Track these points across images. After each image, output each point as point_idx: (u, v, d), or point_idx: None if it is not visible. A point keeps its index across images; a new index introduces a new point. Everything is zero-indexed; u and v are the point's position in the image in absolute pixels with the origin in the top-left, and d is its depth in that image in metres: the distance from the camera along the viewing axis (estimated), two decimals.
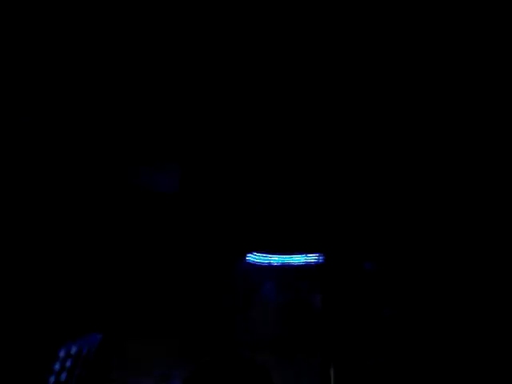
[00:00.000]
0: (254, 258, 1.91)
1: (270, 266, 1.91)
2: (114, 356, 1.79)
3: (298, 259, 1.88)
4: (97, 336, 1.82)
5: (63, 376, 1.76)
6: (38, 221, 1.92)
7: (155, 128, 2.01)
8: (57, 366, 1.78)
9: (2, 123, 2.01)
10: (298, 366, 1.73)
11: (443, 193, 1.87)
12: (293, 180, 1.96)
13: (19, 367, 1.78)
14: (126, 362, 1.77)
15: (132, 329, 1.83)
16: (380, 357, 1.73)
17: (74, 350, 1.80)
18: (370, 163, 1.91)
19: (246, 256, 1.91)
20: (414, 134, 1.91)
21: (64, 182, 1.96)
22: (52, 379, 1.75)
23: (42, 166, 1.97)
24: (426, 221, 1.85)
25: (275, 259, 1.89)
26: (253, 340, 1.81)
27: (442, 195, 1.87)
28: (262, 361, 1.77)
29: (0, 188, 1.96)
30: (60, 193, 1.96)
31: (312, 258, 1.87)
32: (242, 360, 1.76)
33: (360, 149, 1.95)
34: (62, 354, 1.80)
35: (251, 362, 1.76)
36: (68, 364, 1.79)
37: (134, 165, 2.02)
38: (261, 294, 1.89)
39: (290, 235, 1.95)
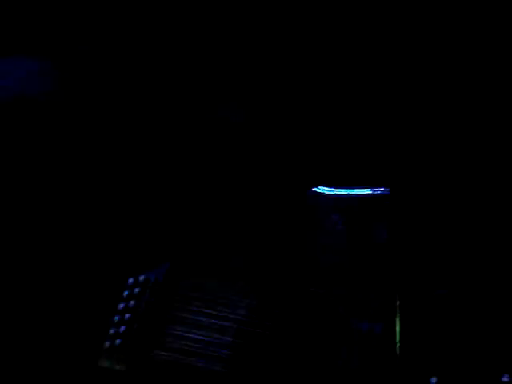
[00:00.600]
0: (320, 190, 1.92)
1: (335, 199, 1.92)
2: (185, 287, 1.79)
3: (364, 192, 1.90)
4: (165, 266, 1.82)
5: (131, 303, 1.76)
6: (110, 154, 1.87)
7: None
8: (125, 293, 1.78)
9: None
10: (365, 296, 1.76)
11: None
12: (358, 112, 1.97)
13: (90, 296, 1.77)
14: (197, 295, 1.77)
15: (201, 262, 1.83)
16: (446, 288, 1.78)
17: (141, 278, 1.80)
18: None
19: (311, 188, 1.92)
20: None
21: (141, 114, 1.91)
22: (121, 306, 1.75)
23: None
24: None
25: (341, 191, 1.91)
26: (316, 271, 1.83)
27: None
28: (327, 291, 1.79)
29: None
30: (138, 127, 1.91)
31: (378, 190, 1.89)
32: (305, 292, 1.78)
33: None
34: (130, 281, 1.80)
35: (314, 292, 1.78)
36: (136, 291, 1.78)
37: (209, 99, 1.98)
38: (326, 226, 1.90)
39: (356, 168, 1.96)
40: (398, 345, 1.63)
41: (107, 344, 1.68)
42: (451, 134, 1.97)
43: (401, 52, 1.95)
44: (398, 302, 1.74)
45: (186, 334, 1.70)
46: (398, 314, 1.70)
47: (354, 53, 1.98)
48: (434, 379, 1.53)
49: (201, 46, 2.00)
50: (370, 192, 1.92)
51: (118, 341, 1.69)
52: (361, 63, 1.98)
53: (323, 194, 1.95)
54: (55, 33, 1.98)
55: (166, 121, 1.97)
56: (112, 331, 1.71)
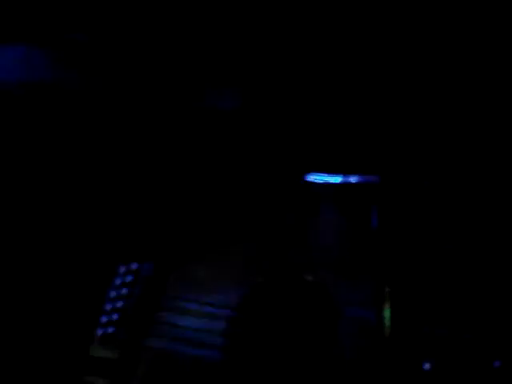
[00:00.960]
0: (313, 178, 1.92)
1: (328, 187, 1.93)
2: (176, 275, 1.79)
3: (355, 179, 1.90)
4: (157, 254, 1.81)
5: (124, 290, 1.75)
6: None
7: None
8: (118, 281, 1.77)
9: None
10: (357, 284, 1.77)
11: None
12: (349, 102, 1.96)
13: (81, 282, 1.76)
14: (188, 283, 1.77)
15: (191, 250, 1.82)
16: (438, 281, 1.78)
17: (134, 266, 1.79)
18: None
19: (304, 176, 1.92)
20: None
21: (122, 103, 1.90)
22: (113, 293, 1.74)
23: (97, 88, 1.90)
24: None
25: (333, 179, 1.91)
26: (309, 260, 1.84)
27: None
28: (320, 279, 1.79)
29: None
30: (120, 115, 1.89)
31: (369, 178, 1.89)
32: (298, 280, 1.78)
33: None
34: (122, 269, 1.79)
35: (307, 280, 1.78)
36: (128, 279, 1.78)
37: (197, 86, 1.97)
38: (319, 215, 1.91)
39: (347, 155, 1.96)
40: (388, 330, 1.64)
41: (100, 332, 1.68)
42: (439, 124, 1.97)
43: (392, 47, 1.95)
44: (387, 289, 1.74)
45: (178, 322, 1.70)
46: (387, 300, 1.70)
47: (348, 44, 1.98)
48: (427, 365, 1.54)
49: (189, 32, 1.99)
50: (361, 180, 1.92)
51: (110, 329, 1.69)
52: (354, 53, 1.98)
53: (315, 182, 1.95)
54: (44, 20, 1.96)
55: (154, 111, 1.96)
56: (104, 319, 1.71)
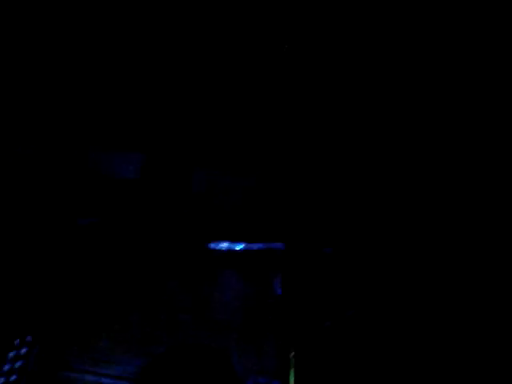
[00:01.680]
0: (214, 245, 1.92)
1: (229, 254, 1.93)
2: (73, 346, 1.74)
3: (258, 246, 1.91)
4: (53, 326, 1.75)
5: (18, 363, 1.68)
6: None
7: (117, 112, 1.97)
8: (11, 354, 1.70)
9: None
10: (261, 351, 1.76)
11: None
12: (252, 167, 1.99)
13: None
14: (85, 354, 1.73)
15: (94, 322, 1.79)
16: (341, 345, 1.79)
17: (29, 338, 1.73)
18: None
19: (204, 244, 1.92)
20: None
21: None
22: (7, 367, 1.67)
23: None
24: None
25: (235, 246, 1.91)
26: (212, 327, 1.82)
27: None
28: (223, 347, 1.78)
29: None
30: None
31: (273, 245, 1.91)
32: (200, 348, 1.77)
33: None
34: (17, 342, 1.73)
35: (210, 349, 1.77)
36: (23, 351, 1.71)
37: (94, 151, 1.98)
38: (220, 282, 1.90)
39: (250, 223, 1.97)
40: None
41: None
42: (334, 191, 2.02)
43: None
44: (292, 354, 1.74)
45: None
46: (292, 367, 1.70)
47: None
48: None
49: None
50: (265, 247, 1.94)
51: None
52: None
53: (218, 249, 1.96)
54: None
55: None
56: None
